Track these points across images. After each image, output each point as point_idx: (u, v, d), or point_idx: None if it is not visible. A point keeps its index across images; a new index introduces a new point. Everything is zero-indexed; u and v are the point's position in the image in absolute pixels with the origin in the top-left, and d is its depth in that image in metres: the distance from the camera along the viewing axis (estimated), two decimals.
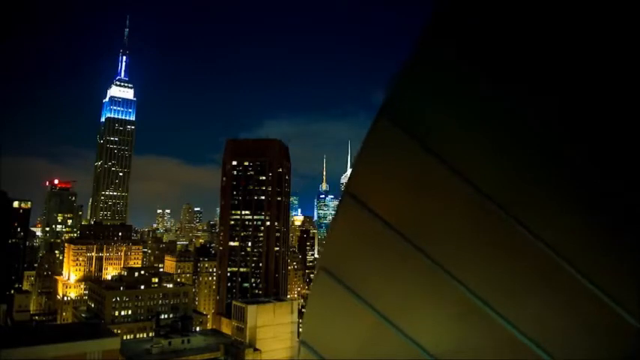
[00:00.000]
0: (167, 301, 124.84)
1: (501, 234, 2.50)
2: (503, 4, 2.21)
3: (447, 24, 2.24)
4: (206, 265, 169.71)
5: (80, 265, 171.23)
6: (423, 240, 2.59)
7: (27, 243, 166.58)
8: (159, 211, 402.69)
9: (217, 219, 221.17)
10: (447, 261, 2.60)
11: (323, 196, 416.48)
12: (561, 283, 2.52)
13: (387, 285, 2.81)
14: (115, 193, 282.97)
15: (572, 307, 2.59)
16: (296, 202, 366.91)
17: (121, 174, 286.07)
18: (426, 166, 2.44)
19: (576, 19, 2.17)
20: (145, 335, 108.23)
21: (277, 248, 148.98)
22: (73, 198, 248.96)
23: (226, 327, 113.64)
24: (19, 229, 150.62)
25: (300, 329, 3.30)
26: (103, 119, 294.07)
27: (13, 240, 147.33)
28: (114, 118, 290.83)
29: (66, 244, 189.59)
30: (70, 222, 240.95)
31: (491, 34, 2.24)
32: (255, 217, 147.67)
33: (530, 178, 2.40)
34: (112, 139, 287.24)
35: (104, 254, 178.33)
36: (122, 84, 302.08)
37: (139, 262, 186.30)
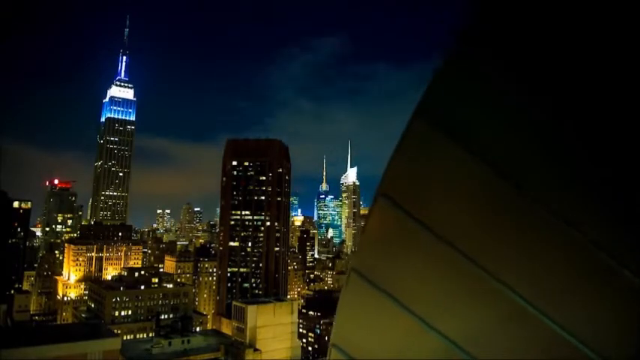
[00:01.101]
0: (167, 301, 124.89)
1: (545, 233, 2.48)
2: (541, 11, 2.20)
3: (483, 29, 2.25)
4: (206, 266, 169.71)
5: (80, 265, 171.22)
6: (461, 240, 2.58)
7: (27, 243, 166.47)
8: (159, 211, 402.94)
9: (217, 219, 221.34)
10: (487, 261, 2.58)
11: (323, 196, 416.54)
12: (608, 281, 2.48)
13: (423, 286, 2.79)
14: (115, 193, 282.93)
15: (622, 305, 2.54)
16: (296, 202, 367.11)
17: (120, 174, 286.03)
18: (464, 166, 2.44)
19: (611, 34, 2.15)
20: (145, 335, 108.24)
21: (277, 248, 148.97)
22: (73, 198, 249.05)
23: (226, 327, 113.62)
24: (19, 229, 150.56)
25: (333, 332, 3.28)
26: (103, 119, 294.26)
27: (13, 240, 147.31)
28: (114, 118, 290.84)
29: (66, 244, 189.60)
30: (70, 222, 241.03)
31: (526, 40, 2.24)
32: (255, 217, 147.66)
33: (572, 175, 2.39)
34: (112, 139, 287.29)
35: (104, 254, 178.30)
36: (122, 84, 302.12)
37: (139, 262, 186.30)
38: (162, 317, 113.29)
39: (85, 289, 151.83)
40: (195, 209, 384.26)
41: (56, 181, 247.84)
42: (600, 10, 2.17)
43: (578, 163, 2.37)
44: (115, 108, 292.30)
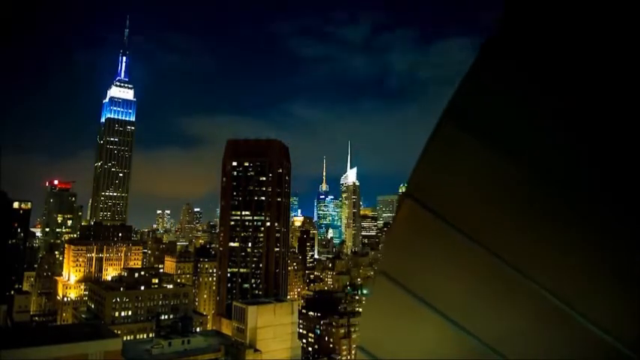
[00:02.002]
0: (167, 301, 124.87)
1: (580, 232, 2.47)
2: (572, 20, 2.22)
3: (511, 36, 2.27)
4: (206, 266, 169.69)
5: (80, 265, 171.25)
6: (492, 240, 2.58)
7: (27, 244, 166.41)
8: (159, 211, 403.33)
9: (217, 220, 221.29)
10: (521, 261, 2.57)
11: (323, 196, 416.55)
12: None
13: (454, 287, 2.78)
14: (114, 194, 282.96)
15: None
16: (296, 202, 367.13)
17: (120, 174, 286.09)
18: (493, 167, 2.45)
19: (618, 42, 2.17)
20: (145, 336, 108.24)
21: (277, 249, 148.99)
22: (73, 198, 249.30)
23: (226, 328, 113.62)
24: (19, 230, 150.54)
25: (359, 335, 3.32)
26: (102, 120, 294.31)
27: (13, 241, 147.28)
28: (114, 118, 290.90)
29: (66, 245, 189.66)
30: (69, 222, 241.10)
31: (554, 49, 2.26)
32: (255, 217, 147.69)
33: (605, 175, 2.38)
34: (111, 139, 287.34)
35: (104, 255, 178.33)
36: (122, 84, 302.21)
37: (139, 262, 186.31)
38: (163, 318, 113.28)
39: (84, 290, 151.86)
40: (195, 209, 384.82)
41: (56, 182, 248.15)
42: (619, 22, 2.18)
43: (610, 162, 2.37)
44: (114, 108, 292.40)
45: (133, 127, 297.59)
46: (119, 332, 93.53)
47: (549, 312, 2.61)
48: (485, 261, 2.60)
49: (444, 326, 2.80)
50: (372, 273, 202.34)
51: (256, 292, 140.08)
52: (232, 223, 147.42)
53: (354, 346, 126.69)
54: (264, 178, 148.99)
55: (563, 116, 2.36)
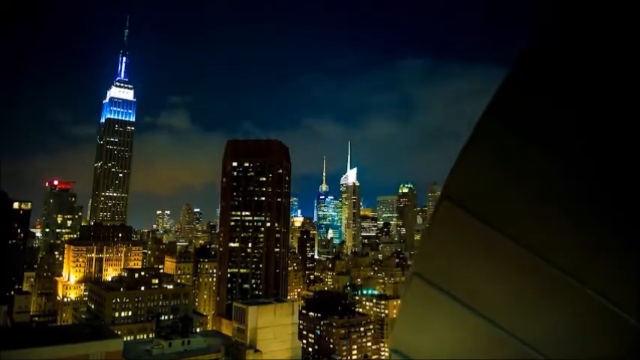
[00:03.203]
0: (167, 302, 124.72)
1: (631, 231, 2.44)
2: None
3: (556, 38, 2.28)
4: (206, 266, 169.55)
5: (80, 266, 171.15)
6: (538, 241, 2.55)
7: (27, 244, 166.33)
8: (158, 212, 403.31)
9: (217, 220, 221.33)
10: (566, 261, 2.55)
11: (323, 196, 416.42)
12: None
13: (494, 288, 2.76)
14: (114, 194, 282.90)
15: None
16: (296, 203, 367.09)
17: (120, 175, 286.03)
18: (539, 166, 2.45)
19: None
20: (145, 336, 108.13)
21: (277, 249, 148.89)
22: (73, 199, 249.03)
23: (226, 328, 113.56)
24: (19, 230, 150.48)
25: (392, 337, 3.31)
26: (102, 120, 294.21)
27: (13, 241, 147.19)
28: (114, 119, 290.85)
29: (66, 245, 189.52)
30: (69, 223, 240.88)
31: (598, 52, 2.27)
32: (255, 218, 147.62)
33: None
34: (111, 139, 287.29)
35: (104, 255, 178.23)
36: (122, 85, 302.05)
37: (139, 263, 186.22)
38: (163, 318, 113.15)
39: (84, 290, 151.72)
40: (195, 210, 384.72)
41: (56, 182, 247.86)
42: None
43: None
44: (114, 109, 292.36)
45: (132, 128, 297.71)
46: (119, 333, 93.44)
47: (596, 313, 2.57)
48: (530, 262, 2.58)
49: (484, 327, 2.78)
50: (371, 273, 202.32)
51: (256, 292, 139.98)
52: (232, 223, 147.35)
53: (355, 346, 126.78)
54: (264, 179, 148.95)
55: (609, 114, 2.34)
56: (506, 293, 2.75)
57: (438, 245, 2.79)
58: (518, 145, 2.43)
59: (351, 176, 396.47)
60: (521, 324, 2.76)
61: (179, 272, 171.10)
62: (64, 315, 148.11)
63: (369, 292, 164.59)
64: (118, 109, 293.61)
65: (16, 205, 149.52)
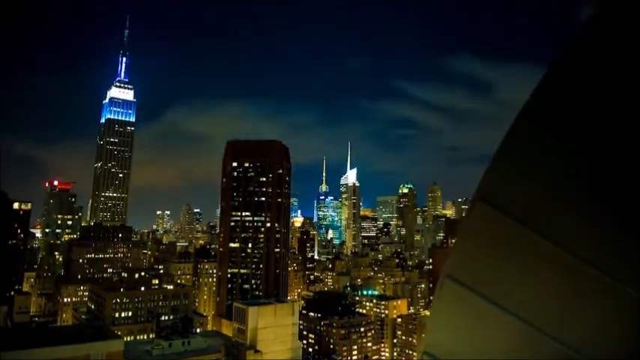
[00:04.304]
0: (167, 302, 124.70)
1: None
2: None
3: (593, 41, 2.34)
4: (206, 267, 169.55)
5: (80, 266, 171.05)
6: (578, 243, 2.56)
7: (27, 244, 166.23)
8: (158, 212, 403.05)
9: (217, 220, 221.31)
10: (606, 261, 2.56)
11: (323, 197, 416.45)
12: None
13: (530, 289, 2.77)
14: (114, 195, 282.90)
15: None
16: (296, 203, 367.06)
17: (120, 175, 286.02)
18: (575, 166, 2.48)
19: None
20: (145, 337, 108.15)
21: (277, 249, 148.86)
22: (73, 199, 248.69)
23: (226, 328, 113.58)
24: (19, 231, 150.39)
25: (424, 340, 3.34)
26: (102, 120, 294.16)
27: (13, 241, 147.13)
28: (114, 119, 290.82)
29: (66, 246, 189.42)
30: (69, 223, 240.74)
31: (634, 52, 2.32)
32: (255, 218, 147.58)
33: None
34: (111, 140, 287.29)
35: (104, 255, 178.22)
36: (122, 85, 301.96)
37: (139, 263, 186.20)
38: (163, 318, 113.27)
39: (84, 291, 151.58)
40: (195, 210, 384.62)
41: (56, 183, 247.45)
42: None
43: None
44: (114, 109, 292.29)
45: (132, 128, 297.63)
46: (119, 333, 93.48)
47: (634, 312, 2.57)
48: (566, 261, 2.58)
49: (519, 328, 2.78)
50: (371, 273, 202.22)
51: (256, 292, 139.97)
52: (232, 223, 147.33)
53: (355, 347, 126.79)
54: (264, 179, 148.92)
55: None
56: (542, 293, 2.75)
57: (473, 247, 2.79)
58: (554, 147, 2.46)
59: (351, 176, 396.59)
60: (557, 324, 2.75)
61: (179, 272, 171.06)
62: (64, 315, 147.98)
63: (369, 292, 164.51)
64: (118, 110, 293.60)
65: (16, 205, 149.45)
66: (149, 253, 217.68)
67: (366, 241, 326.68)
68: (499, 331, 2.90)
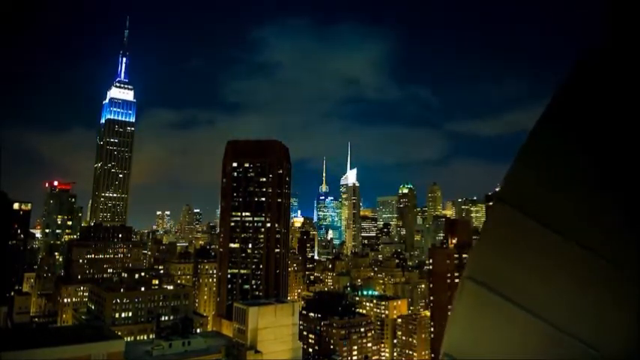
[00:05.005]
0: (167, 302, 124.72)
1: None
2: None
3: (613, 48, 2.40)
4: (206, 267, 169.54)
5: (80, 266, 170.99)
6: (601, 243, 2.59)
7: (27, 245, 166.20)
8: (158, 212, 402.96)
9: (217, 220, 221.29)
10: (623, 258, 2.58)
11: (323, 197, 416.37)
12: None
13: (554, 290, 2.79)
14: (114, 195, 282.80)
15: None
16: (296, 203, 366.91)
17: (120, 175, 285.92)
18: (599, 170, 2.50)
19: None
20: (145, 337, 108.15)
21: (277, 250, 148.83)
22: (73, 199, 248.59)
23: (226, 329, 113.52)
24: (19, 231, 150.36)
25: (444, 342, 3.33)
26: (102, 120, 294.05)
27: (13, 242, 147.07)
28: (114, 119, 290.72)
29: (66, 246, 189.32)
30: (69, 223, 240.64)
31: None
32: (255, 218, 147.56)
33: None
34: (111, 140, 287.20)
35: (104, 256, 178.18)
36: (122, 85, 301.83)
37: (139, 263, 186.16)
38: (163, 319, 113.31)
39: (85, 291, 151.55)
40: (195, 210, 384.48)
41: (56, 183, 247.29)
42: None
43: None
44: (114, 109, 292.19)
45: (132, 128, 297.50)
46: (119, 333, 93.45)
47: None
48: (587, 261, 2.60)
49: (540, 327, 2.79)
50: (372, 274, 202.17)
51: (256, 293, 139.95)
52: (232, 224, 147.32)
53: (355, 347, 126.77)
54: (264, 179, 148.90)
55: None
56: (562, 292, 2.77)
57: (494, 248, 2.80)
58: (575, 150, 2.49)
59: (350, 176, 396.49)
60: (577, 322, 2.76)
61: (179, 273, 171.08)
62: (64, 316, 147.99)
63: (369, 292, 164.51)
64: (118, 110, 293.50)
65: (16, 205, 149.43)
66: (149, 253, 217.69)
67: (366, 242, 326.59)
68: (521, 332, 2.90)
